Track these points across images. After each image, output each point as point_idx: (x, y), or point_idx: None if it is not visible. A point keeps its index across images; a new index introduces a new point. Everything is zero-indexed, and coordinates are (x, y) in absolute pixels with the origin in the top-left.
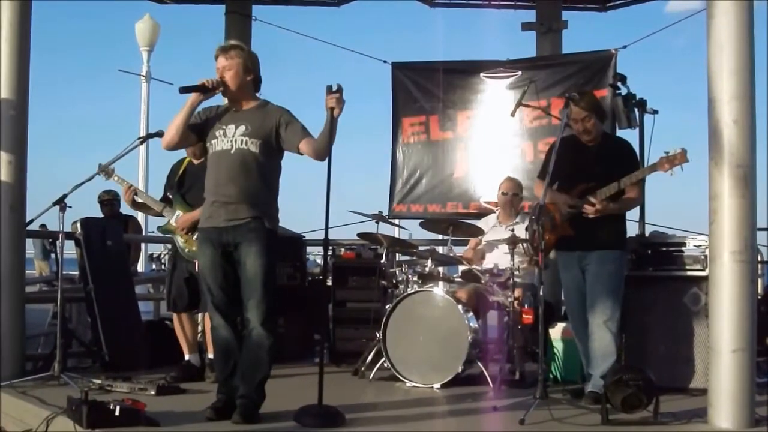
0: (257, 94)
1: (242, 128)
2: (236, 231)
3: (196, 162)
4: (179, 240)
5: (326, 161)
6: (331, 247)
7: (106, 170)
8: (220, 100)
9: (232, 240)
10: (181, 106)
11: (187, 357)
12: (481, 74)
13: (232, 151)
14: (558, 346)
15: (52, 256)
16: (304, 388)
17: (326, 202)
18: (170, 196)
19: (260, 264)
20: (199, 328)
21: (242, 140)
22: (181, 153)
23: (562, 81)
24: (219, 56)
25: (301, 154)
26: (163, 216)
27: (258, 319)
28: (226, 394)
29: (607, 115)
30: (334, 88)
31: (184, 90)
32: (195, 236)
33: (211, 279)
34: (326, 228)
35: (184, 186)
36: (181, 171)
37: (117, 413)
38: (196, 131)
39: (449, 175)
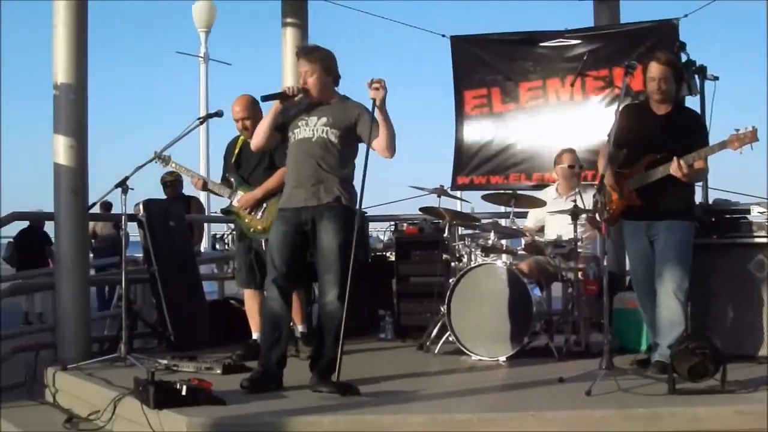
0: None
1: (324, 119)
2: (315, 210)
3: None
4: (244, 220)
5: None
6: (393, 222)
7: (162, 157)
8: None
9: (311, 218)
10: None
11: (255, 335)
12: (541, 44)
13: (313, 139)
14: (621, 315)
15: None
16: (369, 362)
17: (362, 181)
18: (229, 178)
19: (338, 241)
20: None
21: (323, 129)
22: (236, 132)
23: (624, 51)
24: (300, 59)
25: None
26: (228, 198)
27: (335, 293)
28: (265, 366)
29: (683, 79)
30: (375, 79)
31: (267, 98)
32: (258, 215)
33: (278, 254)
34: (360, 205)
35: (241, 166)
36: (236, 151)
37: (184, 393)
38: (281, 129)
39: (512, 146)
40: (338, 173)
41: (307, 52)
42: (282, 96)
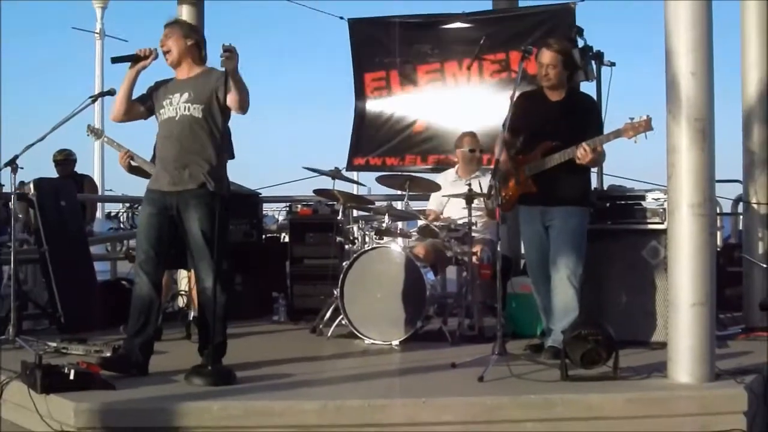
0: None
1: (186, 95)
2: (179, 196)
3: None
4: None
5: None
6: (288, 204)
7: (94, 131)
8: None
9: (176, 204)
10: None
11: None
12: (439, 27)
13: (176, 118)
14: (515, 300)
15: None
16: (261, 345)
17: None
18: None
19: (204, 229)
20: (183, 286)
21: (185, 107)
22: None
23: (521, 35)
24: (164, 29)
25: (230, 108)
26: None
27: (210, 279)
28: (127, 350)
29: (577, 67)
30: (226, 46)
31: (117, 60)
32: None
33: (145, 237)
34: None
35: None
36: None
37: (72, 377)
38: (146, 104)
39: (409, 128)
40: (204, 154)
41: (169, 22)
42: (134, 58)
